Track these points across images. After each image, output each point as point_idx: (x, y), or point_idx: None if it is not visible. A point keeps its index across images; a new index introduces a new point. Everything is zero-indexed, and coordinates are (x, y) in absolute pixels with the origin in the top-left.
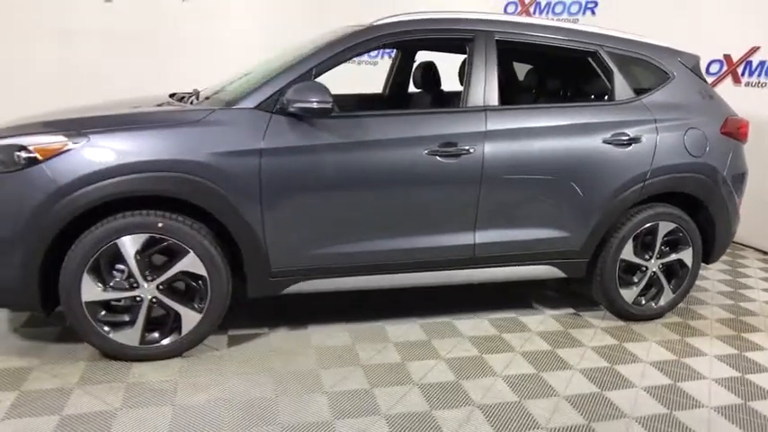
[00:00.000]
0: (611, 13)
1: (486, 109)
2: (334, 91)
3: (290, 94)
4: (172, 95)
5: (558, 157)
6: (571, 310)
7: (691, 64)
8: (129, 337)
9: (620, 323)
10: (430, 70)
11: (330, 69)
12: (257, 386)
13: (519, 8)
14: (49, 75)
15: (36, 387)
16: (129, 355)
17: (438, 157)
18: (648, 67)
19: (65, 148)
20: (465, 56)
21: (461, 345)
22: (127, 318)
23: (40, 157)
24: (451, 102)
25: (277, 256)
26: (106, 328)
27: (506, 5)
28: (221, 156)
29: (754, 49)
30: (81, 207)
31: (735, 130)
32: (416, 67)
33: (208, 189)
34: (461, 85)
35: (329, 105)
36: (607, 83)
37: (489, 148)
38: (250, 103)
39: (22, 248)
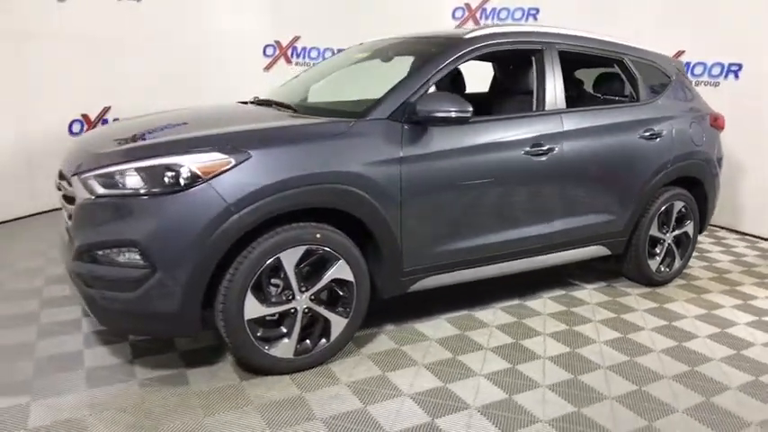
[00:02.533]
0: (552, 19)
1: (560, 112)
2: None
3: (427, 105)
4: (243, 102)
5: (611, 151)
6: (603, 283)
7: (680, 68)
8: (284, 349)
9: (646, 289)
10: (458, 75)
11: (438, 79)
12: (421, 377)
13: (466, 13)
14: None
15: (273, 398)
16: (285, 367)
17: (532, 157)
18: (655, 72)
19: (228, 166)
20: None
21: (549, 322)
22: (281, 331)
23: (203, 176)
24: (483, 105)
25: (408, 255)
26: (266, 345)
27: (454, 10)
28: (369, 165)
29: (680, 53)
30: (248, 225)
31: (716, 122)
32: None
33: (361, 198)
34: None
35: (469, 114)
36: (631, 86)
37: (567, 146)
38: (381, 113)
39: (186, 273)
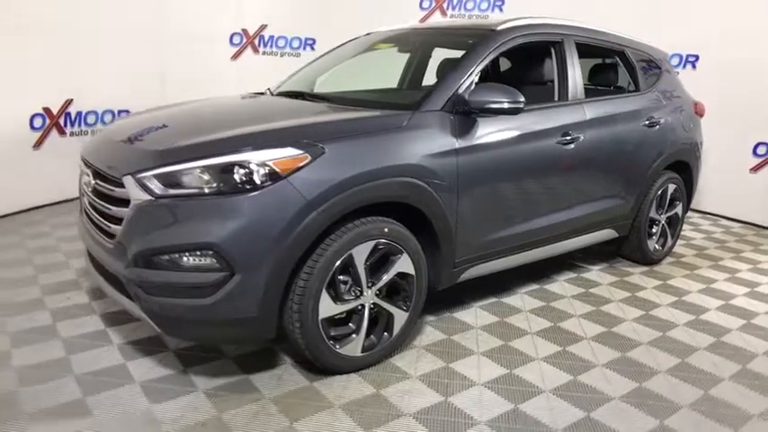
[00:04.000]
0: (518, 10)
1: (582, 102)
2: None
3: (479, 96)
4: (259, 94)
5: (623, 139)
6: (605, 264)
7: (666, 58)
8: (352, 347)
9: (644, 268)
10: None
11: (482, 70)
12: (485, 366)
13: (434, 3)
14: None
15: (352, 398)
16: (353, 365)
17: (562, 145)
18: (649, 62)
19: (305, 161)
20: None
21: (575, 305)
22: (350, 329)
23: (281, 173)
24: None
25: (460, 246)
26: (337, 345)
27: (422, 0)
28: (431, 157)
29: None
30: (325, 222)
31: (697, 109)
32: (443, 63)
33: (424, 191)
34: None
35: (521, 105)
36: (631, 76)
37: (588, 135)
38: (435, 105)
39: (266, 275)
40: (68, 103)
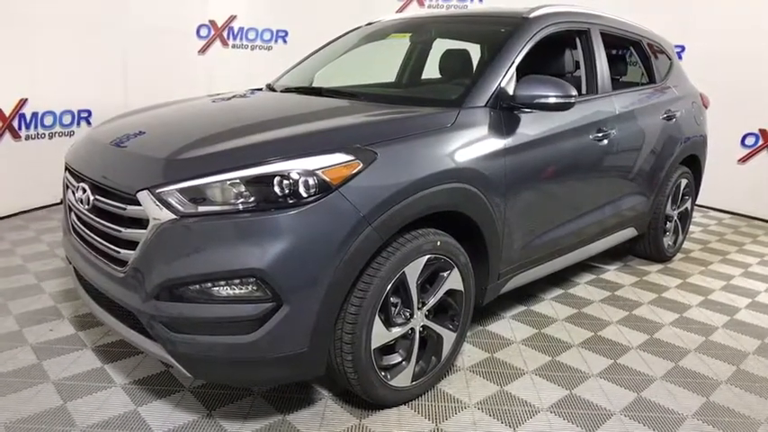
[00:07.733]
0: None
1: (611, 95)
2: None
3: (527, 90)
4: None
5: (646, 133)
6: (620, 263)
7: (673, 48)
8: (403, 377)
9: (659, 266)
10: (466, 58)
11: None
12: (541, 387)
13: None
14: None
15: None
16: (403, 397)
17: (597, 141)
18: (661, 54)
19: (357, 169)
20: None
21: (605, 310)
22: (400, 356)
23: (332, 184)
24: None
25: (506, 255)
26: (388, 376)
27: None
28: (482, 159)
29: None
30: (380, 239)
31: (704, 101)
32: (446, 54)
33: (476, 197)
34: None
35: (573, 99)
36: (646, 68)
37: (618, 129)
38: (479, 100)
39: (318, 303)
40: (22, 102)
